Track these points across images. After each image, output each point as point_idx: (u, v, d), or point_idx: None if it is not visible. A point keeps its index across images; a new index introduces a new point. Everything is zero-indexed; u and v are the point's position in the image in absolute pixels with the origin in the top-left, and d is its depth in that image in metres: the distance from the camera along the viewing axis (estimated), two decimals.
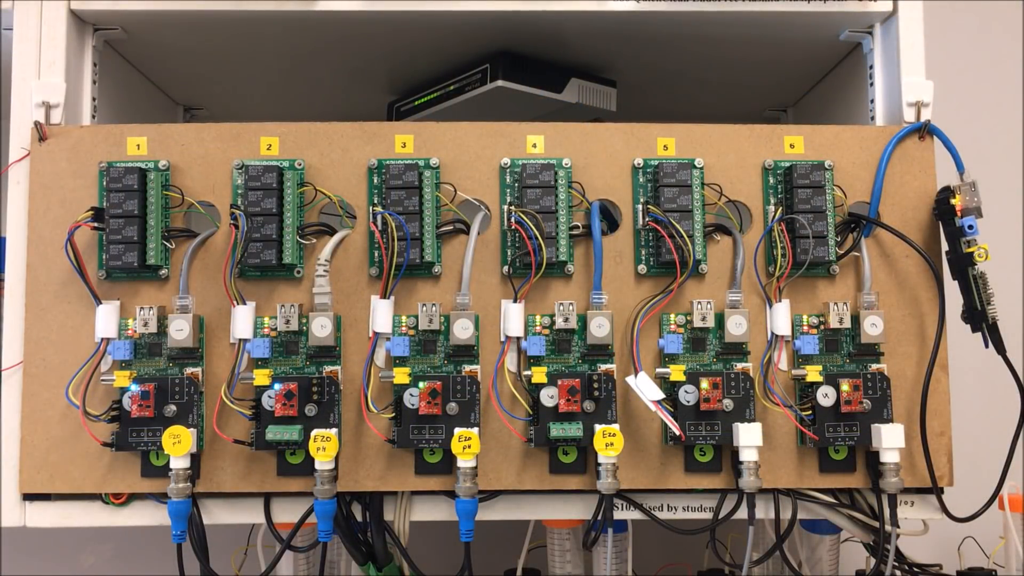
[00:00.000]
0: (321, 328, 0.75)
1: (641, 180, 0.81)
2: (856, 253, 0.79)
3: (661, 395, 0.74)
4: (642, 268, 0.80)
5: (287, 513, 0.78)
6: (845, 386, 0.76)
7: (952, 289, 0.78)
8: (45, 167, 0.81)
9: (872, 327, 0.77)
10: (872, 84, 0.88)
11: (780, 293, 0.78)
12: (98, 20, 0.90)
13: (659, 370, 0.78)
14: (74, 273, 0.75)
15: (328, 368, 0.77)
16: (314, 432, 0.72)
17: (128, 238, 0.76)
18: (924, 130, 0.81)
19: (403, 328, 0.78)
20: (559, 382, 0.77)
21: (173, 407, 0.75)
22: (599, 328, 0.77)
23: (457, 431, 0.73)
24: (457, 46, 1.03)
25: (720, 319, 0.78)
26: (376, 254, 0.79)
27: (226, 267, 0.75)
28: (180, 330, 0.75)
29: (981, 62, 1.33)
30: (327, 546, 0.80)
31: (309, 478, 0.75)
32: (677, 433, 0.75)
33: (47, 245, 0.79)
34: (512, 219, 0.78)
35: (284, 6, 0.86)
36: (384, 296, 0.76)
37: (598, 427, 0.74)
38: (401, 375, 0.76)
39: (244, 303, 0.76)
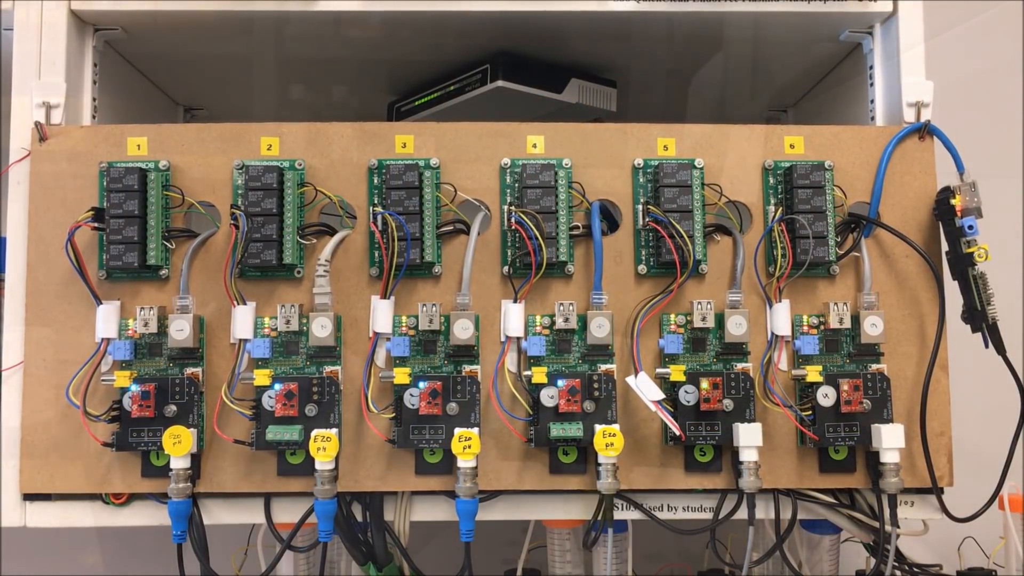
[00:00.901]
0: (321, 328, 0.75)
1: (641, 180, 0.81)
2: (856, 253, 0.79)
3: (661, 395, 0.74)
4: (642, 268, 0.80)
5: (287, 513, 0.78)
6: (845, 386, 0.76)
7: (952, 289, 0.78)
8: (45, 167, 0.81)
9: (872, 327, 0.77)
10: (872, 84, 0.88)
11: (780, 293, 0.78)
12: (98, 20, 0.90)
13: (659, 370, 0.78)
14: (74, 273, 0.75)
15: (328, 368, 0.77)
16: (314, 432, 0.72)
17: (128, 238, 0.76)
18: (924, 130, 0.81)
19: (403, 328, 0.78)
20: (559, 382, 0.77)
21: (173, 407, 0.75)
22: (599, 328, 0.77)
23: (457, 431, 0.73)
24: (457, 46, 1.03)
25: (720, 319, 0.78)
26: (376, 254, 0.79)
27: (226, 267, 0.75)
28: (180, 330, 0.75)
29: (981, 62, 1.33)
30: (327, 546, 0.80)
31: (309, 478, 0.75)
32: (677, 433, 0.75)
33: (47, 245, 0.79)
34: (512, 219, 0.78)
35: (284, 6, 0.86)
36: (384, 296, 0.76)
37: (598, 427, 0.74)
38: (401, 375, 0.76)
39: (244, 303, 0.76)
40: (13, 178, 0.81)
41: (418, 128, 0.82)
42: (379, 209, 0.77)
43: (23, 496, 0.78)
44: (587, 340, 0.78)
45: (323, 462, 0.72)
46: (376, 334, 0.76)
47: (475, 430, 0.73)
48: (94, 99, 0.90)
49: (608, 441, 0.73)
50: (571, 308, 0.78)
